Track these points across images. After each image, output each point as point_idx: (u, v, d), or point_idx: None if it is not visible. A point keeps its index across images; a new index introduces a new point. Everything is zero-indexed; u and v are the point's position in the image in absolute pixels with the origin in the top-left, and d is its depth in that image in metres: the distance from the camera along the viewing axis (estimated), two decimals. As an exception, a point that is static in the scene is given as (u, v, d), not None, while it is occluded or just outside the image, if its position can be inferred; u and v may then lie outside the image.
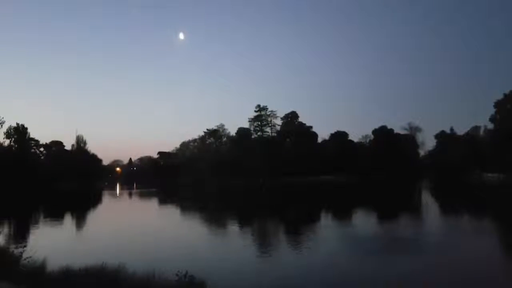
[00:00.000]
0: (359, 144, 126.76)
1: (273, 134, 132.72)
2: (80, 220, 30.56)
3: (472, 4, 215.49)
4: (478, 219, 25.37)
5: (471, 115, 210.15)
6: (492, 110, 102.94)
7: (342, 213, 29.99)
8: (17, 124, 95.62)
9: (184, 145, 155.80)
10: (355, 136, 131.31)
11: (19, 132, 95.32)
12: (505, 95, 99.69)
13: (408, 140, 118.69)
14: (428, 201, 40.52)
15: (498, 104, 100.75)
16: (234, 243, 17.68)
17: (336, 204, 38.37)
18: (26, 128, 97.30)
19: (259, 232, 21.89)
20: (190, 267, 9.31)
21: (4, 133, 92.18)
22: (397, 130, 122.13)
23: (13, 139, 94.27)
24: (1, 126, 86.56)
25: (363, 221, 24.65)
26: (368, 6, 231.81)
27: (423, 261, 12.95)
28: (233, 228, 23.55)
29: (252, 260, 14.05)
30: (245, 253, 15.38)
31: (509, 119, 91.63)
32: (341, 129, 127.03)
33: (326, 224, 24.80)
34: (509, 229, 20.75)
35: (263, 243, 18.41)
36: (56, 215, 33.26)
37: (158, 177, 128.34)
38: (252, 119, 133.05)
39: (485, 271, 11.76)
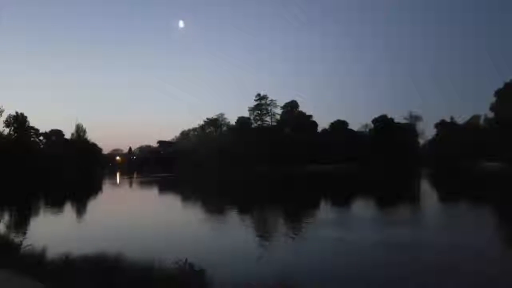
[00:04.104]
0: (359, 133, 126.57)
1: (273, 123, 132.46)
2: (79, 207, 30.63)
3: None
4: (474, 207, 25.42)
5: (472, 104, 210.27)
6: (492, 99, 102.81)
7: (343, 202, 30.05)
8: (17, 112, 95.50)
9: (184, 134, 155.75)
10: (355, 125, 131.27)
11: (18, 121, 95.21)
12: (505, 84, 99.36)
13: (408, 129, 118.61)
14: (426, 189, 40.60)
15: (498, 93, 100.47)
16: (231, 229, 17.70)
17: (338, 193, 38.44)
18: (26, 117, 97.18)
19: (258, 219, 21.94)
20: (186, 252, 9.30)
21: (4, 122, 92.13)
22: (397, 119, 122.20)
23: (12, 127, 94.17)
24: (1, 114, 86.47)
25: (366, 209, 24.79)
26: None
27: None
28: (231, 214, 23.55)
29: (252, 248, 14.07)
30: (243, 239, 15.43)
31: (509, 108, 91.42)
32: (341, 118, 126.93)
33: (328, 214, 24.87)
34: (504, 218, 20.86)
35: (262, 230, 18.47)
36: (55, 203, 33.34)
37: (158, 165, 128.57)
38: (252, 108, 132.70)
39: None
